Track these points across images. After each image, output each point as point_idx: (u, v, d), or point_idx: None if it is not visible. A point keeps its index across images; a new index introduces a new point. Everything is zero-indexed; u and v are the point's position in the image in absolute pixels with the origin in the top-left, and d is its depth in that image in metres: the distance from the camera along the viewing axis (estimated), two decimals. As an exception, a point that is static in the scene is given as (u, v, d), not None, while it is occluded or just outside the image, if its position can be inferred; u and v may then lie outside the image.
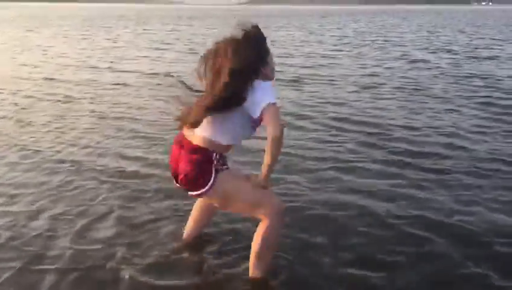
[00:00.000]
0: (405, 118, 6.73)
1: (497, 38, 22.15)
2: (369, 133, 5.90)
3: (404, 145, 5.38)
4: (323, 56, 14.63)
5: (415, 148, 5.28)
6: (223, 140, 2.60)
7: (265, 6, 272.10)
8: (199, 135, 2.58)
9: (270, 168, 2.55)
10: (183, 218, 3.35)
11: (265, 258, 2.72)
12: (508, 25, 35.96)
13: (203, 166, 2.57)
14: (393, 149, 5.27)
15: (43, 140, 5.55)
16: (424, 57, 14.22)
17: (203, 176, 2.56)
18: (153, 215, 3.60)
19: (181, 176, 2.60)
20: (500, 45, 18.24)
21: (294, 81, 9.89)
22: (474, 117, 6.75)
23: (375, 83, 9.65)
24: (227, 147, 2.67)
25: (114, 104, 7.60)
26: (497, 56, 14.45)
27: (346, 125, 6.28)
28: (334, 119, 6.65)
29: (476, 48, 17.08)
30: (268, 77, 2.58)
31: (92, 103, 7.69)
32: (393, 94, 8.52)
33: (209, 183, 2.56)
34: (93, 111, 7.06)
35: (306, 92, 8.72)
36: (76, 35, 23.03)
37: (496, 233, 3.35)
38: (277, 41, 19.66)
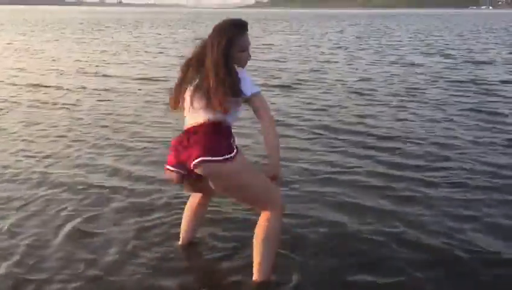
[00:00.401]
0: (394, 126, 6.43)
1: (494, 42, 21.92)
2: (356, 142, 5.59)
3: (392, 156, 5.08)
4: (318, 60, 14.38)
5: (403, 160, 4.98)
6: (228, 121, 2.60)
7: (268, 10, 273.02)
8: (209, 117, 2.53)
9: (277, 151, 2.58)
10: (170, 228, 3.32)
11: (269, 259, 2.68)
12: (505, 28, 35.79)
13: (226, 134, 2.55)
14: (381, 159, 4.97)
15: (7, 149, 5.23)
16: (419, 61, 13.96)
17: (226, 140, 2.53)
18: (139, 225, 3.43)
19: (195, 156, 2.46)
20: (495, 49, 18.01)
21: (285, 86, 9.61)
22: (466, 126, 6.44)
23: (367, 89, 9.38)
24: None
25: (92, 110, 7.30)
26: (492, 60, 14.19)
27: (332, 134, 5.98)
28: (320, 127, 6.34)
29: (472, 52, 16.83)
30: (242, 62, 2.61)
31: (69, 109, 7.38)
32: (384, 101, 8.21)
33: (233, 153, 2.50)
34: (70, 118, 6.77)
35: (294, 98, 8.43)
36: (71, 39, 22.80)
37: (483, 255, 3.07)
38: (273, 45, 19.44)
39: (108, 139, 5.64)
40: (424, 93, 8.87)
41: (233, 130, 2.65)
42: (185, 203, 3.15)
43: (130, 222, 3.49)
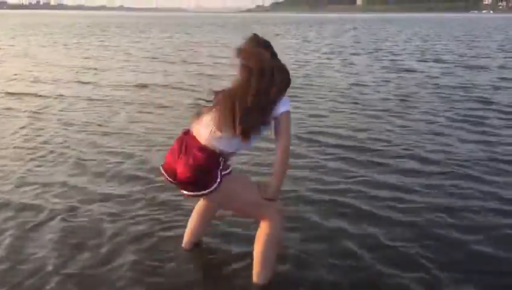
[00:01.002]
0: (385, 133, 6.14)
1: (491, 46, 21.63)
2: (347, 149, 5.40)
3: (381, 168, 4.79)
4: (313, 64, 14.07)
5: (392, 171, 4.70)
6: (229, 148, 2.59)
7: (268, 14, 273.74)
8: (206, 138, 2.55)
9: (282, 179, 2.60)
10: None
11: (269, 264, 2.71)
12: (503, 32, 35.55)
13: (208, 166, 2.52)
14: (369, 169, 4.72)
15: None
16: (414, 67, 13.64)
17: (205, 177, 2.52)
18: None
19: (181, 175, 2.53)
20: (491, 54, 17.70)
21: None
22: (457, 133, 6.15)
23: (359, 93, 9.14)
24: (232, 154, 2.68)
25: (60, 121, 6.88)
26: (487, 66, 13.86)
27: (323, 139, 5.79)
28: (311, 132, 6.10)
29: (468, 57, 16.54)
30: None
31: (36, 118, 7.02)
32: (376, 106, 7.93)
33: (214, 186, 2.52)
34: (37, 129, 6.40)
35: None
36: (67, 44, 22.54)
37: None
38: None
39: (64, 155, 5.27)
40: (416, 99, 8.55)
41: None
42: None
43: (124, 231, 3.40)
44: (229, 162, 2.70)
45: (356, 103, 8.24)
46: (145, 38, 27.22)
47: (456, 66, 13.93)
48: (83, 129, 6.32)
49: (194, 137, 2.58)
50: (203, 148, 2.53)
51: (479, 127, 6.53)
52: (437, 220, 3.61)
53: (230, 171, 2.64)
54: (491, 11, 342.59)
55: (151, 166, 4.69)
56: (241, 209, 2.76)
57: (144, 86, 9.98)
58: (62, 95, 8.86)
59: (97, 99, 8.48)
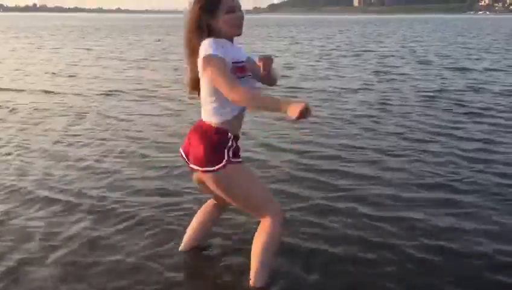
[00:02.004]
0: (357, 141, 6.00)
1: (482, 47, 21.67)
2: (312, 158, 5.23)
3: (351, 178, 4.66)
4: (294, 67, 14.05)
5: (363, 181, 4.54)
6: (215, 116, 2.52)
7: (265, 15, 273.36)
8: (207, 117, 2.55)
9: (273, 100, 2.29)
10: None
11: (267, 266, 2.67)
12: (500, 33, 35.60)
13: (216, 141, 2.49)
14: (339, 181, 4.54)
15: None
16: (399, 70, 13.58)
17: (213, 153, 2.48)
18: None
19: (192, 150, 2.54)
20: (481, 55, 17.72)
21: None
22: (433, 142, 6.02)
23: (338, 96, 9.08)
24: (233, 121, 2.55)
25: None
26: (474, 68, 13.86)
27: (289, 147, 5.62)
28: (280, 140, 5.96)
29: (456, 59, 16.53)
30: (224, 32, 2.46)
31: None
32: (354, 110, 7.86)
33: (222, 163, 2.47)
34: None
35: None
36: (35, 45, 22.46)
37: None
38: (259, 52, 19.10)
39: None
40: (396, 104, 8.46)
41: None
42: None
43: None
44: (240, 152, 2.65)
45: (329, 106, 8.18)
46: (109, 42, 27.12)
47: (445, 68, 13.92)
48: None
49: (203, 121, 2.60)
50: (209, 125, 2.53)
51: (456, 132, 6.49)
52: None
53: (241, 161, 2.61)
54: (487, 12, 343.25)
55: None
56: (242, 203, 2.64)
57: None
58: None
59: None
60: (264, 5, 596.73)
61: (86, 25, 58.75)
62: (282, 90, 9.70)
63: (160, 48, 21.72)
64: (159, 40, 27.87)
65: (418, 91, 9.79)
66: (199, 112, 2.63)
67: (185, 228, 3.19)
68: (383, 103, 8.48)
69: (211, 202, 3.02)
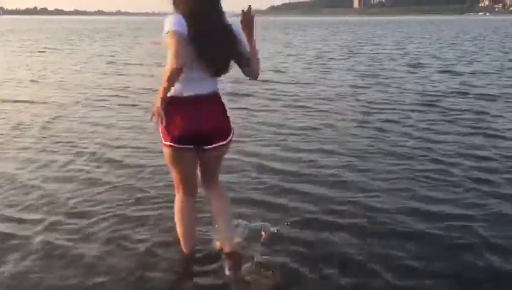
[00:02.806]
0: (338, 138, 6.00)
1: (476, 50, 21.61)
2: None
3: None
4: (283, 71, 14.01)
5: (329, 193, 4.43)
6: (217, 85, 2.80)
7: (265, 18, 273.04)
8: (215, 87, 2.76)
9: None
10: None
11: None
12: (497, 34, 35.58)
13: (226, 113, 2.82)
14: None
15: None
16: (387, 73, 13.53)
17: (228, 122, 2.80)
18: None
19: (217, 123, 2.70)
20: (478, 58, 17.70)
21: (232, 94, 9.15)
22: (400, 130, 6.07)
23: (319, 103, 8.96)
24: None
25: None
26: (469, 71, 13.82)
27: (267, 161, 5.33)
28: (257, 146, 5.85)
29: (451, 62, 16.50)
30: (181, 8, 2.58)
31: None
32: (338, 115, 7.79)
33: (232, 133, 2.81)
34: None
35: (237, 109, 7.96)
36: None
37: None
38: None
39: None
40: (381, 112, 8.43)
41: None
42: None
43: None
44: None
45: (302, 114, 7.98)
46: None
47: (437, 71, 13.90)
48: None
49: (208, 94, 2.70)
50: (217, 94, 2.77)
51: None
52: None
53: None
54: (488, 13, 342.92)
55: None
56: (219, 168, 3.00)
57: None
58: None
59: None
60: (265, 7, 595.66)
61: (83, 28, 58.75)
62: (270, 95, 9.68)
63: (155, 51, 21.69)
64: (158, 44, 27.83)
65: (402, 92, 9.78)
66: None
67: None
68: (367, 107, 8.44)
69: (186, 197, 2.93)
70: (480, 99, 9.08)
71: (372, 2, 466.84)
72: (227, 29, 2.66)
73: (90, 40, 31.14)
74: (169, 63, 2.38)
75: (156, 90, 2.53)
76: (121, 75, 13.17)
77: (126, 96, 9.58)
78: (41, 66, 15.27)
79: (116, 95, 9.67)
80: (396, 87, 10.64)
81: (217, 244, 3.14)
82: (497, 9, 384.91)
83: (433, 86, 10.83)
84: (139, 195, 4.21)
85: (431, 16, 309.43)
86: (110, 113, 7.96)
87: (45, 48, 23.78)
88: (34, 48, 23.83)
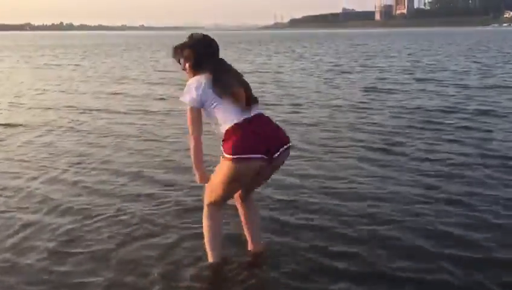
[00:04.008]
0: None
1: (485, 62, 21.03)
2: None
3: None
4: (263, 83, 13.79)
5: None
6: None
7: (286, 31, 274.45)
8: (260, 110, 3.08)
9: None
10: None
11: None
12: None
13: None
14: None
15: None
16: (388, 86, 13.16)
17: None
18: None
19: (284, 138, 3.01)
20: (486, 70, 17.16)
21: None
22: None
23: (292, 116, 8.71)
24: None
25: None
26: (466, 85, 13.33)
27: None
28: None
29: (456, 74, 16.03)
30: (187, 70, 3.05)
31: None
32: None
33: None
34: None
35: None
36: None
37: None
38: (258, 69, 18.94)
39: None
40: (358, 129, 8.10)
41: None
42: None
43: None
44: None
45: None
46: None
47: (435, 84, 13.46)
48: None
49: (255, 116, 2.97)
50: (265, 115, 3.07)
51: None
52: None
53: None
54: (496, 24, 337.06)
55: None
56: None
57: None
58: None
59: None
60: (286, 20, 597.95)
61: (101, 43, 59.70)
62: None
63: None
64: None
65: (392, 107, 9.39)
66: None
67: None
68: (360, 123, 8.12)
69: (220, 211, 3.24)
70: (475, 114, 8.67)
71: (394, 13, 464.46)
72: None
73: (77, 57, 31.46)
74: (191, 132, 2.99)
75: None
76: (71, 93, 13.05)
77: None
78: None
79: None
80: (396, 100, 10.25)
81: (250, 246, 3.40)
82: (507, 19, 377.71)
83: (431, 100, 10.40)
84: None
85: (454, 27, 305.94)
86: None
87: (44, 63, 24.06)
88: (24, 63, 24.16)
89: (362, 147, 6.49)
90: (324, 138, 7.09)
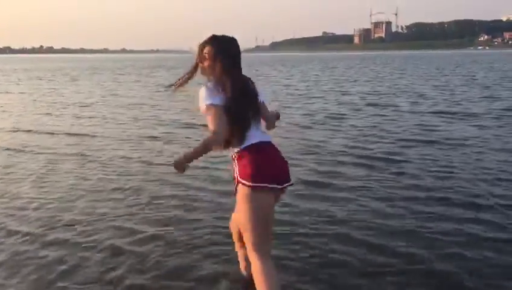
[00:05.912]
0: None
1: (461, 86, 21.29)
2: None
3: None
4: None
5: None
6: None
7: (267, 54, 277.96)
8: (269, 137, 2.87)
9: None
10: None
11: None
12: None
13: None
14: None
15: None
16: (344, 111, 13.15)
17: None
18: None
19: (285, 167, 2.79)
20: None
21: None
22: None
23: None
24: None
25: None
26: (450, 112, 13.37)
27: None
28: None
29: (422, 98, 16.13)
30: (206, 72, 2.79)
31: None
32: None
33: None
34: None
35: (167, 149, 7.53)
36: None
37: None
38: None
39: None
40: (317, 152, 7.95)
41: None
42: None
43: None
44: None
45: None
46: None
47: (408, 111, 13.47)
48: None
49: (265, 143, 2.78)
50: (272, 143, 2.85)
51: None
52: None
53: None
54: (487, 47, 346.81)
55: None
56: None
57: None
58: None
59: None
60: (267, 43, 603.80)
61: (76, 67, 59.15)
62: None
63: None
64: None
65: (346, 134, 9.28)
66: None
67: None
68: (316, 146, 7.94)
69: (268, 259, 2.78)
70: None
71: (372, 37, 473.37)
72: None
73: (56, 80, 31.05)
74: (214, 132, 2.59)
75: None
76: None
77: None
78: None
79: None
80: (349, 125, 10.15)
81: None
82: (496, 43, 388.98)
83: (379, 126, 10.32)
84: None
85: (430, 50, 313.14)
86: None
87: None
88: None
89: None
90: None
